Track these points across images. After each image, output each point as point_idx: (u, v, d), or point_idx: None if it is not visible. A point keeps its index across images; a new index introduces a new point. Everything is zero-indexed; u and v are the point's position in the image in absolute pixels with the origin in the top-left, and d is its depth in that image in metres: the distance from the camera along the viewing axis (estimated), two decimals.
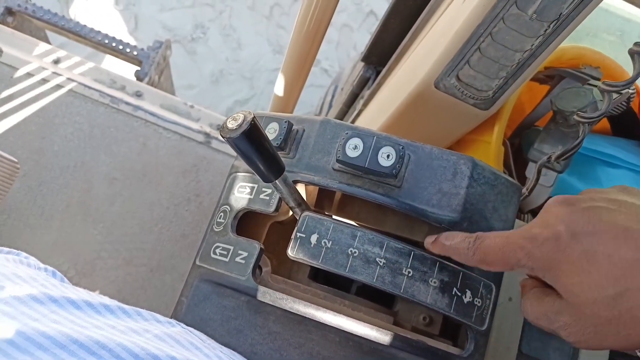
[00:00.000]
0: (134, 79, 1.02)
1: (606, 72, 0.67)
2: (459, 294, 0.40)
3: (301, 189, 0.48)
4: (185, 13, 2.01)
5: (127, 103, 0.87)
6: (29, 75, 0.86)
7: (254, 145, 0.33)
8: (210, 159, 0.86)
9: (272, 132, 0.45)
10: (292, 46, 0.70)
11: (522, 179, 0.65)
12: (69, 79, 0.87)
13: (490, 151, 0.62)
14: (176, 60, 1.88)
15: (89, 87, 0.87)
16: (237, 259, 0.43)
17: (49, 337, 0.29)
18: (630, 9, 1.09)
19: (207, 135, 0.87)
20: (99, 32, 1.10)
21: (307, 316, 0.41)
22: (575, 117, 0.52)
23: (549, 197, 0.63)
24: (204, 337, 0.39)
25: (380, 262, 0.40)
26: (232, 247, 0.44)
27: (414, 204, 0.41)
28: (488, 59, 0.50)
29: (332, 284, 0.52)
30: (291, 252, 0.41)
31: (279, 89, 0.79)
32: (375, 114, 0.74)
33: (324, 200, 0.51)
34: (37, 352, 0.28)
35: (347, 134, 0.41)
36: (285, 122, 0.45)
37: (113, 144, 0.85)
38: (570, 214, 0.30)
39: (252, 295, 0.42)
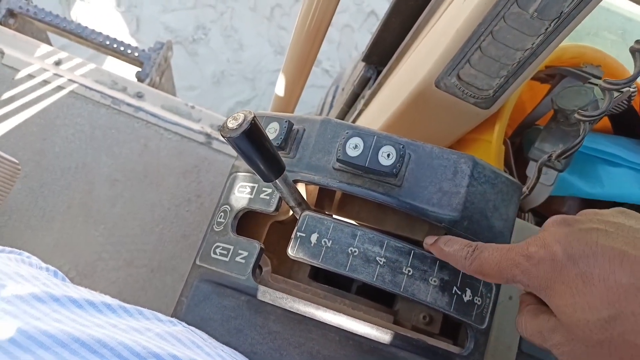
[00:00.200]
0: (135, 80, 1.02)
1: (607, 70, 0.67)
2: (459, 293, 0.40)
3: (301, 188, 0.48)
4: (187, 14, 2.02)
5: (129, 104, 0.87)
6: (30, 76, 0.87)
7: (255, 145, 0.33)
8: (212, 159, 0.86)
9: (272, 131, 0.45)
10: (293, 46, 0.70)
11: (523, 178, 0.65)
12: (70, 80, 0.87)
13: (491, 150, 0.62)
14: (178, 61, 1.88)
15: (90, 89, 0.87)
16: (237, 259, 0.43)
17: (50, 335, 0.29)
18: (632, 7, 1.09)
19: (208, 136, 0.87)
20: (100, 33, 1.10)
21: (307, 315, 0.41)
22: (576, 115, 0.52)
23: (550, 196, 0.63)
24: (205, 336, 0.39)
25: (381, 261, 0.40)
26: (232, 247, 0.44)
27: (415, 203, 0.41)
28: (489, 57, 0.50)
29: (332, 283, 0.52)
30: (291, 252, 0.41)
31: (280, 89, 0.79)
32: (376, 114, 0.74)
33: (324, 199, 0.51)
34: (38, 350, 0.28)
35: (347, 133, 0.41)
36: (286, 121, 0.45)
37: (114, 145, 0.85)
38: (567, 235, 0.31)
39: (252, 295, 0.42)
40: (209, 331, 0.41)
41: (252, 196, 0.45)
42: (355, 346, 0.40)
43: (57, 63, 0.90)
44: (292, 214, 0.48)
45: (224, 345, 0.39)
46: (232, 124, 0.32)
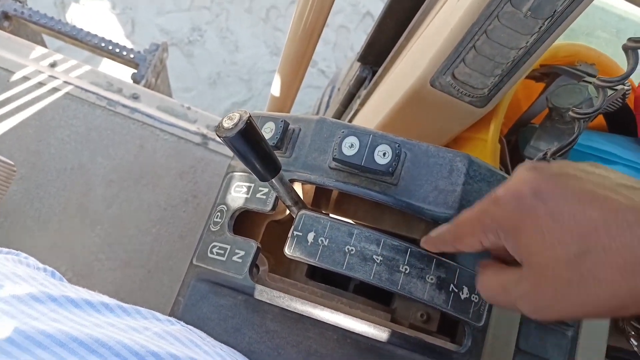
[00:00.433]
0: (131, 81, 1.02)
1: (602, 69, 0.67)
2: (456, 291, 0.40)
3: (298, 187, 0.48)
4: (182, 16, 2.02)
5: (124, 105, 0.87)
6: (25, 78, 0.87)
7: (250, 145, 0.33)
8: (208, 160, 0.86)
9: (268, 131, 0.45)
10: (288, 47, 0.70)
11: None
12: (65, 82, 0.87)
13: (486, 149, 0.63)
14: (173, 63, 1.88)
15: (86, 90, 0.87)
16: (234, 258, 0.43)
17: (48, 335, 0.29)
18: (626, 6, 1.09)
19: (204, 136, 0.87)
20: (96, 35, 1.10)
21: (304, 314, 0.41)
22: (570, 113, 0.52)
23: None
24: (203, 334, 0.40)
25: (377, 259, 0.40)
26: (229, 246, 0.44)
27: (411, 202, 0.42)
28: (483, 56, 0.50)
29: (329, 282, 0.52)
30: (288, 251, 0.41)
31: (276, 89, 0.79)
32: (372, 113, 0.74)
33: (321, 198, 0.51)
34: (37, 350, 0.28)
35: (343, 132, 0.41)
36: (282, 121, 0.45)
37: (110, 146, 0.85)
38: (536, 178, 0.30)
39: (250, 294, 0.42)
40: (207, 330, 0.41)
41: (248, 196, 0.45)
42: (352, 344, 0.40)
43: (53, 65, 0.90)
44: (289, 213, 0.48)
45: (222, 344, 0.40)
46: (227, 123, 0.32)
